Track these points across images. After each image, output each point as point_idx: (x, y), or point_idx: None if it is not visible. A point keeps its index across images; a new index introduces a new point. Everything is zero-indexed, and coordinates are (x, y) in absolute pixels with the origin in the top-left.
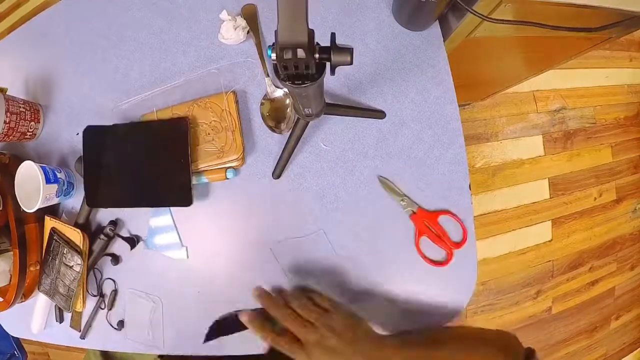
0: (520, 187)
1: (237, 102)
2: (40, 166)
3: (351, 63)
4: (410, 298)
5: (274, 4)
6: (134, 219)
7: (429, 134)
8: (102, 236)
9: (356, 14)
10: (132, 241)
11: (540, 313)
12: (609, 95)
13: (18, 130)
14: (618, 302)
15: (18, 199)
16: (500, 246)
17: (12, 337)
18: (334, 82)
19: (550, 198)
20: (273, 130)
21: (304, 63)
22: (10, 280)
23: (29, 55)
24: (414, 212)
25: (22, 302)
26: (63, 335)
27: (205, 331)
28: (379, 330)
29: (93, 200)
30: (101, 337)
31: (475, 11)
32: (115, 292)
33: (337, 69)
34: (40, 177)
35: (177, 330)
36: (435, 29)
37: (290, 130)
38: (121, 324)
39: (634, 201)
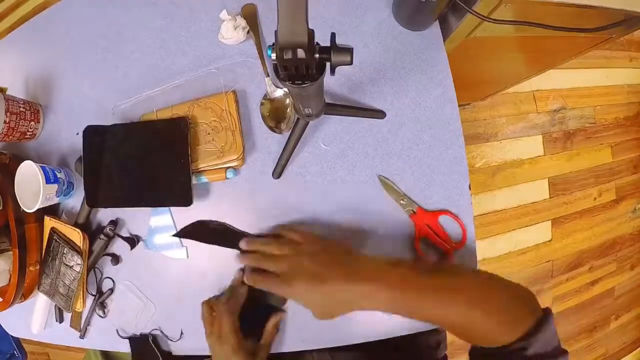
0: (520, 187)
1: (237, 102)
2: (40, 166)
3: (351, 63)
4: None
5: (274, 4)
6: (134, 219)
7: (429, 134)
8: (102, 236)
9: (356, 14)
10: (132, 241)
11: None
12: (609, 95)
13: (18, 130)
14: (618, 302)
15: (18, 199)
16: (500, 246)
17: (12, 337)
18: (334, 82)
19: (550, 198)
20: (273, 130)
21: (304, 63)
22: (10, 280)
23: (29, 55)
24: (413, 212)
25: (21, 302)
26: (63, 335)
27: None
28: None
29: (93, 200)
30: (101, 337)
31: (475, 11)
32: (111, 290)
33: (337, 69)
34: (40, 177)
35: (164, 331)
36: (435, 29)
37: (290, 130)
38: (102, 306)
39: (633, 201)
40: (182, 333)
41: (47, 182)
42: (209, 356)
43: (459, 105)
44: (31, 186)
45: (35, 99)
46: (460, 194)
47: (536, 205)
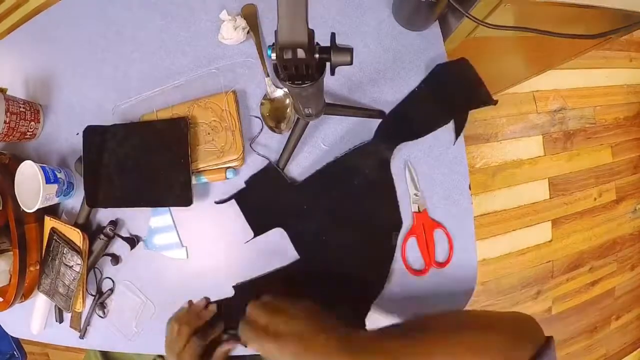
0: (520, 187)
1: (237, 102)
2: (40, 166)
3: (351, 63)
4: (410, 298)
5: (274, 4)
6: (134, 219)
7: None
8: (102, 236)
9: (356, 14)
10: (132, 241)
11: (541, 313)
12: (609, 96)
13: (18, 130)
14: (618, 302)
15: (18, 199)
16: (500, 246)
17: (12, 337)
18: (334, 82)
19: (550, 198)
20: (273, 130)
21: (304, 63)
22: (10, 280)
23: (29, 55)
24: (419, 211)
25: (22, 302)
26: (63, 335)
27: None
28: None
29: (93, 200)
30: (100, 337)
31: (472, 15)
32: (111, 290)
33: (337, 69)
34: (40, 177)
35: (162, 331)
36: (435, 29)
37: (290, 130)
38: (102, 306)
39: (634, 201)
40: None
41: (47, 182)
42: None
43: None
44: (31, 186)
45: (35, 99)
46: (460, 194)
47: (536, 205)
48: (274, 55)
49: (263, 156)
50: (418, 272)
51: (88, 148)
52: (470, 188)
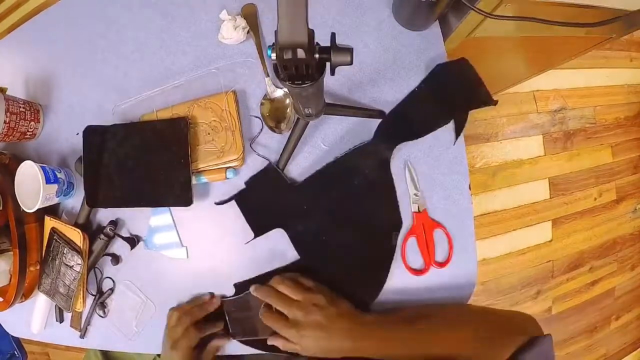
0: (520, 187)
1: (237, 102)
2: (40, 166)
3: (351, 63)
4: (410, 298)
5: (274, 4)
6: (134, 219)
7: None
8: (102, 236)
9: (356, 14)
10: (132, 241)
11: (541, 313)
12: (609, 95)
13: (18, 130)
14: (618, 302)
15: (18, 199)
16: (500, 246)
17: (12, 336)
18: (334, 82)
19: (550, 198)
20: (273, 130)
21: (304, 63)
22: (10, 280)
23: (29, 55)
24: (418, 211)
25: (22, 302)
26: (63, 335)
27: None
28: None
29: (93, 200)
30: (101, 337)
31: (478, 8)
32: (111, 290)
33: (337, 69)
34: (40, 177)
35: (162, 331)
36: (435, 29)
37: (290, 130)
38: (102, 306)
39: (634, 201)
40: None
41: (47, 182)
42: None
43: None
44: (31, 186)
45: (35, 99)
46: (460, 194)
47: (536, 205)
48: (274, 55)
49: (263, 157)
50: (418, 272)
51: (88, 148)
52: (470, 188)
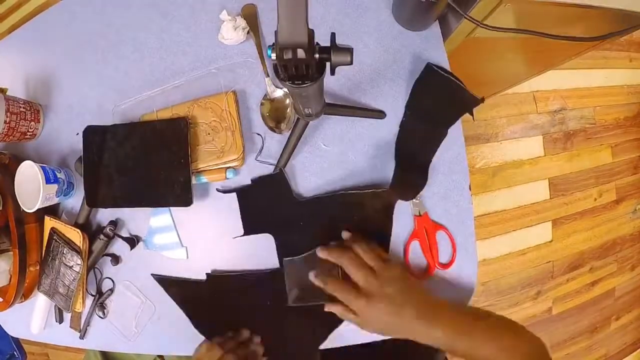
0: (520, 187)
1: (237, 102)
2: (40, 166)
3: (351, 63)
4: None
5: (274, 4)
6: (134, 219)
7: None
8: (102, 236)
9: (356, 14)
10: (132, 241)
11: (541, 314)
12: (609, 96)
13: (18, 130)
14: (618, 303)
15: (18, 199)
16: (500, 246)
17: (12, 337)
18: (334, 82)
19: (551, 198)
20: (273, 130)
21: (304, 63)
22: (10, 280)
23: (29, 55)
24: (419, 215)
25: (21, 302)
26: (63, 335)
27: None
28: None
29: (93, 200)
30: (100, 337)
31: (470, 17)
32: (111, 291)
33: (337, 69)
34: (40, 177)
35: (162, 331)
36: (435, 29)
37: (290, 130)
38: (102, 306)
39: (634, 202)
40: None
41: (47, 182)
42: None
43: None
44: (31, 186)
45: (35, 99)
46: (460, 194)
47: (536, 205)
48: (274, 55)
49: (272, 164)
50: (422, 275)
51: (88, 148)
52: (470, 188)
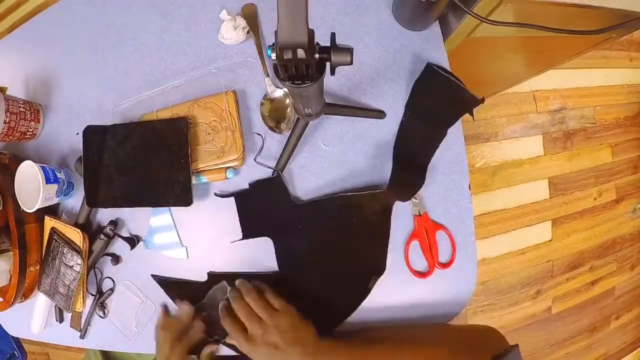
0: (520, 187)
1: (237, 102)
2: (40, 166)
3: (351, 63)
4: (410, 297)
5: (274, 4)
6: (134, 219)
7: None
8: (102, 236)
9: (356, 13)
10: (132, 241)
11: (540, 313)
12: (609, 95)
13: (18, 130)
14: (618, 302)
15: (18, 199)
16: (500, 246)
17: (12, 336)
18: (334, 82)
19: (550, 198)
20: (273, 130)
21: (304, 63)
22: (10, 280)
23: (29, 55)
24: (419, 215)
25: (22, 302)
26: (63, 335)
27: None
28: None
29: (93, 200)
30: (101, 337)
31: (474, 13)
32: (111, 290)
33: (337, 69)
34: (40, 177)
35: None
36: (435, 29)
37: (290, 130)
38: (102, 306)
39: (633, 201)
40: None
41: (47, 182)
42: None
43: None
44: (31, 186)
45: (35, 99)
46: (460, 193)
47: (536, 205)
48: (274, 55)
49: (270, 167)
50: (422, 275)
51: (88, 148)
52: (470, 188)
